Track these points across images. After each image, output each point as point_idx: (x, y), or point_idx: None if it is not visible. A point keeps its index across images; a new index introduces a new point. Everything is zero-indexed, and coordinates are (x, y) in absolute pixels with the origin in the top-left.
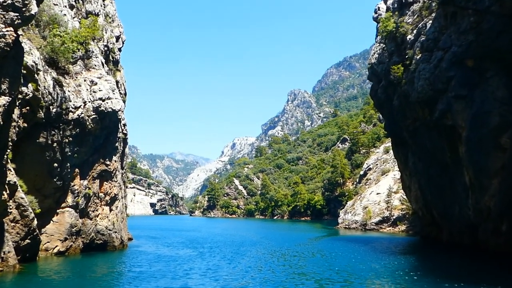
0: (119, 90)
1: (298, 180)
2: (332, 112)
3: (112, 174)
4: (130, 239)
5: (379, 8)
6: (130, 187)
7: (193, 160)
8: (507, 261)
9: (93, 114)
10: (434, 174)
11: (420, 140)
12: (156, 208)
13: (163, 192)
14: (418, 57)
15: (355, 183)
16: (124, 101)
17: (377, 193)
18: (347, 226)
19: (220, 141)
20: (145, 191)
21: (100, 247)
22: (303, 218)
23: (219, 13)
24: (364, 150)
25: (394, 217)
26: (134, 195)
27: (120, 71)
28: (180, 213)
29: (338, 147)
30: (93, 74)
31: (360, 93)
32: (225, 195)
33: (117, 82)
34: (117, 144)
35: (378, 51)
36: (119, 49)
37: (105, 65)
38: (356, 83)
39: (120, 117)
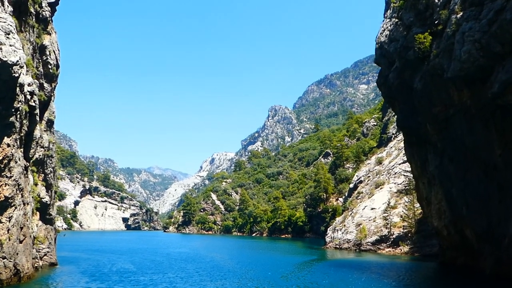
0: (46, 59)
1: (279, 195)
2: (313, 128)
3: (2, 166)
4: (52, 264)
5: None
6: (102, 201)
7: (171, 175)
8: None
9: None
10: (475, 180)
11: (453, 134)
12: (129, 223)
13: (137, 207)
14: (458, 15)
15: (339, 198)
16: (55, 76)
17: (372, 208)
18: (337, 246)
19: (199, 156)
20: (117, 205)
21: None
22: (284, 236)
23: (201, 29)
24: (348, 165)
25: (394, 236)
26: (106, 209)
27: (50, 34)
28: (155, 229)
29: (321, 161)
30: None
31: (341, 110)
32: (202, 210)
33: (44, 47)
34: (12, 119)
35: (389, 27)
36: (50, 5)
37: (7, 5)
38: (337, 101)
39: (16, 74)
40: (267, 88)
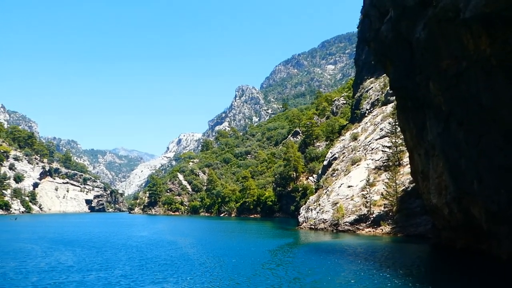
0: None
1: (247, 174)
2: (280, 108)
3: None
4: None
5: None
6: (63, 182)
7: (137, 156)
8: None
9: None
10: (492, 147)
11: (465, 93)
12: (93, 205)
13: (100, 188)
14: None
15: (309, 177)
16: None
17: (349, 186)
18: (312, 227)
19: (165, 137)
20: (80, 187)
21: None
22: (253, 216)
23: (166, 12)
24: (318, 143)
25: (374, 215)
26: (68, 190)
27: None
28: (120, 210)
29: (290, 140)
30: None
31: (308, 91)
32: (168, 190)
33: None
34: None
35: None
36: None
37: None
38: (304, 81)
39: None
40: (234, 68)
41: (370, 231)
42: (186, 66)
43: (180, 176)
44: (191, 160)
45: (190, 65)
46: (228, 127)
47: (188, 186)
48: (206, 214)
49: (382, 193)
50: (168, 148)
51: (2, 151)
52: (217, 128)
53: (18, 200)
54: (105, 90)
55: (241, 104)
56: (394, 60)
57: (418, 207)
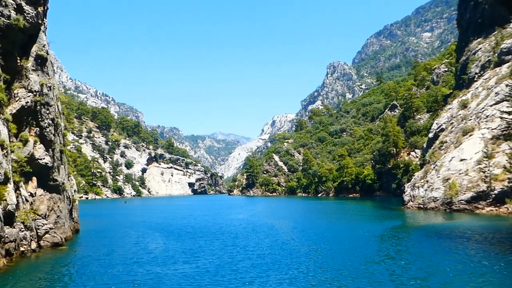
0: None
1: (344, 152)
2: (375, 82)
3: None
4: (56, 245)
5: None
6: (168, 167)
7: (234, 140)
8: None
9: None
10: None
11: None
12: (195, 187)
13: (201, 172)
14: None
15: (411, 153)
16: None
17: (461, 160)
18: (421, 206)
19: (260, 119)
20: (183, 171)
21: None
22: (351, 195)
23: None
24: (419, 116)
25: (496, 191)
26: (172, 175)
27: None
28: (220, 192)
29: (388, 114)
30: None
31: (403, 62)
32: (265, 172)
33: None
34: None
35: None
36: None
37: None
38: (399, 52)
39: None
40: (324, 45)
41: (491, 210)
42: (276, 48)
43: (276, 157)
44: (286, 140)
45: (280, 46)
46: (321, 105)
47: (284, 167)
48: (303, 195)
49: (504, 165)
50: (262, 130)
51: (114, 140)
52: (310, 107)
53: (130, 185)
54: (202, 78)
55: (333, 81)
56: None
57: None
